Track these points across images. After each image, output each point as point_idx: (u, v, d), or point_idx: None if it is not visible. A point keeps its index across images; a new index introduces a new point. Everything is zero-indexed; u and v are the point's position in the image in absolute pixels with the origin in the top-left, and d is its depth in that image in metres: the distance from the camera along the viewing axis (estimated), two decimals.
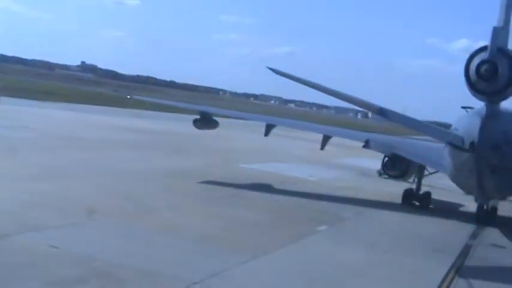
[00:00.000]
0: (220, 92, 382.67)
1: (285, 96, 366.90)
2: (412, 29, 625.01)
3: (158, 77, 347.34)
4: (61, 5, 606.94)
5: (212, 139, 61.37)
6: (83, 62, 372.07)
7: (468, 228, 33.60)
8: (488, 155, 27.91)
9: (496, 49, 25.44)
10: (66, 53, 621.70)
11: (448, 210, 38.46)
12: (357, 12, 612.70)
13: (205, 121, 43.54)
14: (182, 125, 63.56)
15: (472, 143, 27.60)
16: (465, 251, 27.61)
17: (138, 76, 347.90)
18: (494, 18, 26.41)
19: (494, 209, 36.91)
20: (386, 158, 39.22)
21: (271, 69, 29.75)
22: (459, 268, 24.18)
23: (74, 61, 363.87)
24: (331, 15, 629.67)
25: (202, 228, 24.76)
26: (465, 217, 36.47)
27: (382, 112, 28.81)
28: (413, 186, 39.62)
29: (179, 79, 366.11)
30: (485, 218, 35.43)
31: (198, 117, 44.06)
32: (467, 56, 25.83)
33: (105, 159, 41.26)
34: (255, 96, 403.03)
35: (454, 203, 40.56)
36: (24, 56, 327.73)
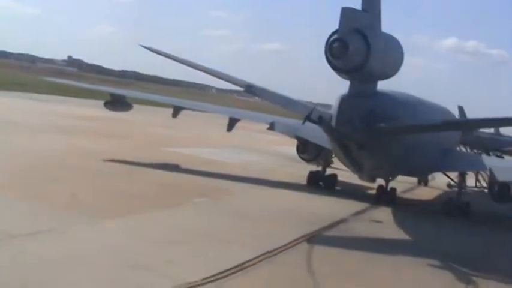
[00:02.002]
0: (210, 89, 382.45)
1: None
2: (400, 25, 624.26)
3: (144, 72, 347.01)
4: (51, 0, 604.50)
5: (153, 126, 62.77)
6: (69, 57, 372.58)
7: (360, 206, 34.73)
8: (348, 131, 28.98)
9: (350, 29, 26.62)
10: (54, 48, 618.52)
11: (354, 192, 39.32)
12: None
13: (117, 103, 44.15)
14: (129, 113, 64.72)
15: (331, 119, 28.69)
16: (334, 224, 28.70)
17: (123, 71, 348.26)
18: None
19: (393, 189, 37.93)
20: (297, 142, 40.23)
21: (144, 47, 30.88)
22: (313, 235, 25.35)
23: (61, 55, 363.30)
24: (321, 12, 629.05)
25: (72, 198, 25.96)
26: (367, 198, 37.62)
27: (249, 88, 29.84)
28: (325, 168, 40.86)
29: (166, 75, 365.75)
30: (382, 197, 36.73)
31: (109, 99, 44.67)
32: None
33: (22, 141, 42.53)
34: (238, 93, 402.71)
35: (364, 186, 41.19)
36: (10, 50, 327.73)
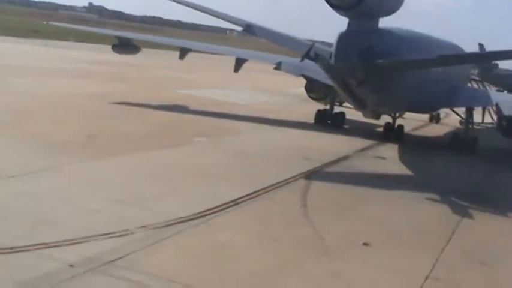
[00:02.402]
0: (228, 32, 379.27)
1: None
2: None
3: (165, 17, 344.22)
4: None
5: (169, 69, 63.05)
6: (90, 3, 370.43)
7: (366, 144, 34.91)
8: (346, 68, 28.64)
9: None
10: None
11: (362, 130, 39.27)
12: None
13: (124, 46, 44.24)
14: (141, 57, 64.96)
15: (330, 56, 28.46)
16: (336, 161, 28.83)
17: (144, 16, 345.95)
18: None
19: (401, 126, 37.86)
20: (306, 82, 40.09)
21: None
22: (312, 172, 25.49)
23: (82, 2, 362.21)
24: None
25: (69, 137, 26.52)
26: (375, 136, 37.56)
27: (249, 28, 29.61)
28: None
29: (187, 19, 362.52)
30: (389, 135, 36.70)
31: (116, 42, 44.69)
32: None
33: (34, 84, 43.49)
34: None
35: (373, 124, 40.85)
36: None
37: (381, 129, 38.69)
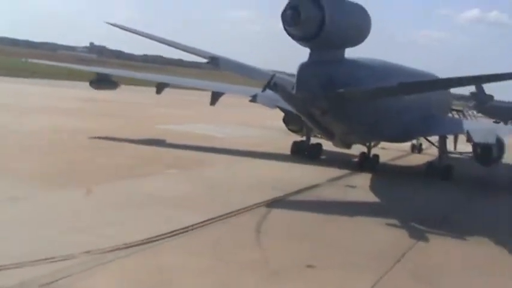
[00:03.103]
0: None
1: None
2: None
3: (166, 55, 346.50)
4: None
5: (153, 106, 63.69)
6: (91, 43, 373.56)
7: (339, 173, 35.31)
8: (308, 98, 29.09)
9: None
10: (76, 35, 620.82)
11: (338, 160, 39.59)
12: None
13: (102, 82, 44.92)
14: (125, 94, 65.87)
15: (293, 87, 29.04)
16: (304, 189, 29.22)
17: (145, 55, 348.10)
18: None
19: (376, 156, 38.29)
20: (283, 114, 40.53)
21: (111, 24, 31.52)
22: (276, 200, 25.93)
23: (83, 42, 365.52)
24: None
25: (40, 169, 27.23)
26: (350, 166, 37.96)
27: (213, 60, 30.18)
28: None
29: (188, 58, 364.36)
30: (364, 164, 37.21)
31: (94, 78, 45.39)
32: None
33: (17, 121, 44.34)
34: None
35: (350, 155, 41.26)
36: (34, 39, 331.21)
37: (357, 159, 38.67)
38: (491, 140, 34.57)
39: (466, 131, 35.71)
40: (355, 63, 31.38)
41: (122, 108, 63.78)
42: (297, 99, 29.19)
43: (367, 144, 38.04)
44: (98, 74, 45.75)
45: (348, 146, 36.08)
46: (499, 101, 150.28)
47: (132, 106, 67.85)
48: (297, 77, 28.90)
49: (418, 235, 22.67)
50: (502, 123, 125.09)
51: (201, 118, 60.86)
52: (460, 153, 44.07)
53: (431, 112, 39.04)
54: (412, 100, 35.08)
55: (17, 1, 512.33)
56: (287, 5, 27.02)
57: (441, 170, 37.44)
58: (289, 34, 27.74)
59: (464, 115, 52.49)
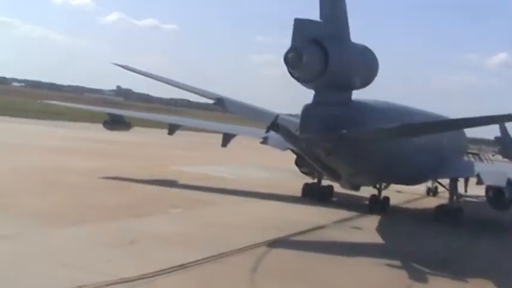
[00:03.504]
0: None
1: None
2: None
3: (192, 99, 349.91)
4: (97, 32, 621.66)
5: (171, 148, 64.33)
6: (118, 87, 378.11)
7: (347, 215, 35.21)
8: (312, 139, 29.36)
9: (305, 39, 27.26)
10: (104, 78, 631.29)
11: (350, 203, 39.46)
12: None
13: (115, 123, 45.54)
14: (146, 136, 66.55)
15: (297, 128, 29.31)
16: (309, 230, 29.25)
17: (171, 99, 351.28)
18: None
19: (386, 198, 38.20)
20: (296, 156, 40.69)
21: (118, 64, 32.17)
22: (278, 240, 25.92)
23: (110, 86, 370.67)
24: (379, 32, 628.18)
25: (44, 207, 27.64)
26: (361, 208, 37.79)
27: (220, 102, 30.60)
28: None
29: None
30: (375, 207, 37.03)
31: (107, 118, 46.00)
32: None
33: (35, 159, 45.51)
34: None
35: (362, 197, 40.84)
36: (60, 82, 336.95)
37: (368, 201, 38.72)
38: (502, 182, 34.29)
39: (476, 174, 35.43)
40: (360, 105, 31.60)
41: (139, 150, 64.46)
42: (300, 140, 29.40)
43: (377, 186, 37.84)
44: (110, 114, 46.28)
45: (356, 188, 36.06)
46: None
47: (150, 147, 68.45)
48: (301, 118, 29.27)
49: (416, 276, 22.58)
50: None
51: (216, 160, 61.04)
52: (476, 196, 43.74)
53: (443, 154, 38.84)
54: (421, 142, 35.14)
55: (44, 45, 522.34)
56: (290, 48, 27.20)
57: (451, 213, 37.07)
58: (292, 76, 28.01)
59: (480, 158, 52.19)
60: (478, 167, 37.91)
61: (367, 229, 31.52)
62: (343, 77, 29.24)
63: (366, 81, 31.30)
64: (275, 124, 28.06)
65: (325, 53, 27.48)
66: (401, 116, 34.52)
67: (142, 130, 76.77)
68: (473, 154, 52.82)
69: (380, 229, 31.85)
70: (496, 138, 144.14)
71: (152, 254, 21.31)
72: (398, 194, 46.55)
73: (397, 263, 24.23)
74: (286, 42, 27.20)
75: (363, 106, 31.81)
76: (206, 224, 27.88)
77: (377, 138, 30.25)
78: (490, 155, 54.34)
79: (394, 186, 43.45)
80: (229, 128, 47.17)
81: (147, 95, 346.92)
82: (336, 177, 33.03)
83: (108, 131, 47.59)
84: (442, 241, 31.34)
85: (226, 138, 43.39)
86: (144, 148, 66.27)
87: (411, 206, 43.76)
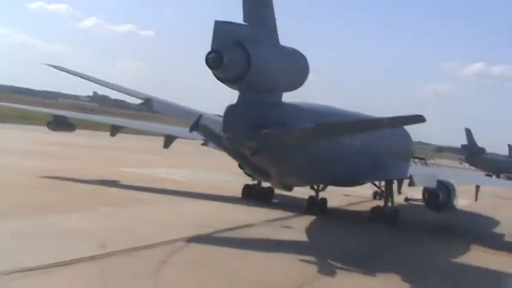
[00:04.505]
0: None
1: None
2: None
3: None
4: (74, 37, 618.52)
5: (133, 151, 64.64)
6: (94, 93, 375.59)
7: (282, 215, 35.93)
8: (235, 138, 30.07)
9: (226, 41, 27.76)
10: (80, 84, 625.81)
11: (289, 204, 40.07)
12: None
13: (59, 124, 45.87)
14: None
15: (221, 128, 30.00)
16: (236, 228, 29.95)
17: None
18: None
19: (323, 200, 38.91)
20: None
21: (50, 65, 32.63)
22: (199, 236, 26.54)
23: (87, 92, 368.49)
24: (339, 39, 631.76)
25: None
26: (299, 209, 38.47)
27: (148, 102, 31.09)
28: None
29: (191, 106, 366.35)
30: (312, 208, 37.99)
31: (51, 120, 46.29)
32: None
33: None
34: None
35: (304, 199, 41.24)
36: (35, 88, 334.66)
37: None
38: (432, 184, 35.11)
39: (409, 176, 36.14)
40: (287, 106, 32.11)
41: (99, 153, 64.78)
42: (223, 139, 30.02)
43: (315, 188, 38.45)
44: (54, 116, 46.58)
45: (289, 188, 36.63)
46: (491, 154, 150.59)
47: (111, 151, 68.31)
48: (224, 118, 29.84)
49: (326, 271, 23.41)
50: (494, 176, 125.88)
51: (176, 163, 61.61)
52: (422, 200, 44.26)
53: (378, 157, 39.55)
54: (354, 144, 35.89)
55: (20, 49, 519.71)
56: (210, 49, 27.71)
57: (386, 215, 37.92)
58: (216, 77, 28.54)
59: (426, 163, 53.02)
60: (412, 169, 38.63)
61: (297, 228, 32.16)
62: (267, 78, 29.76)
63: (295, 83, 31.93)
64: (197, 124, 28.63)
65: (247, 55, 27.99)
66: (334, 118, 35.10)
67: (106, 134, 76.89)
68: (420, 158, 53.64)
69: (310, 228, 32.63)
70: (463, 146, 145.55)
71: (64, 247, 21.82)
72: (345, 197, 47.44)
73: (313, 259, 25.00)
74: None
75: (290, 107, 32.37)
76: (131, 221, 28.40)
77: (296, 138, 30.78)
78: (431, 161, 54.72)
79: (342, 190, 45.37)
80: (172, 129, 47.28)
81: (124, 102, 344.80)
82: (265, 177, 33.71)
83: (53, 132, 47.83)
84: (368, 241, 32.30)
85: (169, 140, 43.68)
86: (103, 151, 66.22)
87: (353, 208, 44.46)
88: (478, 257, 30.97)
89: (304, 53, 31.37)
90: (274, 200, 41.07)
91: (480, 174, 68.56)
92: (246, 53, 27.94)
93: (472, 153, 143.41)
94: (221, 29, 27.52)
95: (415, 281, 23.62)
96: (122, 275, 19.54)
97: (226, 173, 54.03)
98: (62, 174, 40.56)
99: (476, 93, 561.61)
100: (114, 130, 45.48)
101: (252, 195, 40.51)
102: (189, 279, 19.88)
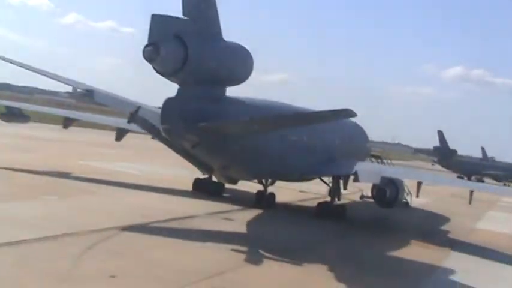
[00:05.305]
0: None
1: None
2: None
3: (151, 103, 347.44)
4: (55, 33, 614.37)
5: (99, 146, 64.96)
6: (74, 89, 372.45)
7: (228, 208, 36.52)
8: (173, 131, 30.66)
9: (164, 34, 28.21)
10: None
11: (240, 198, 40.88)
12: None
13: (12, 115, 46.20)
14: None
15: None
16: (176, 219, 30.46)
17: None
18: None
19: (271, 194, 39.77)
20: None
21: None
22: (136, 225, 27.23)
23: (66, 88, 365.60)
24: (322, 41, 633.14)
25: None
26: (248, 203, 39.01)
27: (89, 93, 31.58)
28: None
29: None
30: (260, 202, 38.75)
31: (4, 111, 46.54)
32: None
33: None
34: None
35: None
36: (14, 83, 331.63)
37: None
38: (376, 180, 35.85)
39: (354, 172, 36.75)
40: (229, 100, 32.76)
41: (62, 146, 65.11)
42: (160, 131, 30.58)
43: (263, 182, 39.15)
44: (7, 107, 46.81)
45: (233, 182, 37.21)
46: (462, 156, 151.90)
47: (75, 144, 68.98)
48: (162, 110, 30.38)
49: (254, 260, 24.17)
50: (465, 179, 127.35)
51: (140, 158, 62.58)
52: (369, 197, 45.02)
53: (325, 153, 40.21)
54: (300, 140, 36.51)
55: (1, 44, 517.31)
56: (147, 42, 28.13)
57: (333, 211, 38.69)
58: (154, 70, 29.05)
59: (382, 161, 53.80)
60: (358, 166, 38.77)
61: (238, 221, 32.78)
62: (207, 72, 30.15)
63: (238, 78, 32.39)
64: (135, 115, 29.18)
65: (184, 48, 28.50)
66: (273, 112, 35.04)
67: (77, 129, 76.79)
68: (376, 157, 54.44)
69: (251, 221, 33.27)
70: (435, 148, 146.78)
71: None
72: (298, 193, 48.18)
73: (245, 249, 25.66)
74: None
75: (230, 101, 32.94)
76: (72, 210, 28.96)
77: (234, 131, 31.31)
78: (388, 160, 55.53)
79: (299, 186, 46.64)
80: (123, 122, 47.35)
81: None
82: (206, 169, 34.35)
83: (7, 123, 48.06)
84: (306, 235, 32.89)
85: (121, 133, 44.06)
86: (63, 144, 66.44)
87: (305, 204, 44.97)
88: (413, 251, 31.88)
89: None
90: (225, 194, 41.60)
91: (430, 173, 68.88)
92: (184, 46, 28.41)
93: (444, 155, 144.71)
94: (158, 22, 27.94)
95: (337, 271, 24.22)
96: (41, 260, 20.01)
97: (182, 168, 54.32)
98: (17, 166, 40.84)
99: (456, 96, 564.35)
100: (67, 122, 45.99)
101: (202, 189, 41.08)
102: (108, 266, 20.31)
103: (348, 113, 26.69)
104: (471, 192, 39.69)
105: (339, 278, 23.13)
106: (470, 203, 40.01)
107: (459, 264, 29.52)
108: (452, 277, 26.62)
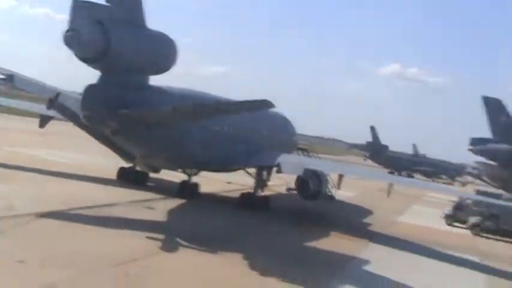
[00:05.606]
0: None
1: None
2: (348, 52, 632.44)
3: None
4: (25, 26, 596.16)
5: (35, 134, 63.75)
6: (9, 76, 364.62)
7: (150, 197, 36.75)
8: (93, 118, 30.74)
9: (85, 20, 28.30)
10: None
11: (164, 187, 41.04)
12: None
13: None
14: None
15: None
16: (95, 206, 30.53)
17: None
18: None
19: (195, 184, 40.00)
20: None
21: None
22: (51, 212, 27.25)
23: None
24: (265, 36, 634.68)
25: None
26: (171, 192, 39.12)
27: (10, 78, 31.22)
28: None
29: None
30: (184, 192, 38.79)
31: None
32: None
33: None
34: None
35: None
36: None
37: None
38: (299, 172, 36.49)
39: (277, 164, 37.28)
40: (151, 89, 32.96)
41: None
42: (79, 117, 30.49)
43: (187, 172, 39.33)
44: None
45: (155, 170, 37.45)
46: (393, 151, 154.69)
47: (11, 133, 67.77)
48: (82, 97, 30.30)
49: (169, 248, 24.67)
50: (396, 174, 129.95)
51: (62, 145, 61.99)
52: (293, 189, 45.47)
53: (249, 144, 40.71)
54: (223, 131, 36.84)
55: None
56: (68, 28, 28.09)
57: (255, 201, 39.23)
58: (76, 56, 28.90)
59: (308, 154, 54.47)
60: (281, 157, 39.26)
61: (159, 209, 33.02)
62: (128, 59, 30.30)
63: (161, 67, 32.55)
64: (53, 101, 29.02)
65: (106, 35, 28.51)
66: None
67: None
68: (303, 150, 55.11)
69: (172, 210, 33.58)
70: (368, 143, 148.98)
71: None
72: (225, 184, 48.64)
73: (161, 237, 26.07)
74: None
75: (155, 90, 33.18)
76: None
77: (155, 120, 31.45)
78: (315, 154, 56.23)
79: (226, 177, 47.19)
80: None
81: None
82: (127, 157, 34.45)
83: None
84: (225, 224, 33.37)
85: (44, 120, 43.22)
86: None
87: (231, 195, 45.30)
88: (333, 242, 32.77)
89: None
90: (150, 184, 41.66)
91: (355, 167, 69.73)
92: (105, 32, 28.44)
93: (375, 151, 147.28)
94: (80, 7, 27.95)
95: (253, 260, 24.75)
96: None
97: (109, 156, 54.08)
98: None
99: (391, 93, 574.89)
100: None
101: (127, 178, 40.94)
102: (18, 251, 20.40)
103: (266, 104, 27.25)
104: (390, 185, 40.26)
105: (254, 266, 23.76)
106: (388, 196, 40.45)
107: (374, 254, 30.66)
108: (366, 267, 27.64)
